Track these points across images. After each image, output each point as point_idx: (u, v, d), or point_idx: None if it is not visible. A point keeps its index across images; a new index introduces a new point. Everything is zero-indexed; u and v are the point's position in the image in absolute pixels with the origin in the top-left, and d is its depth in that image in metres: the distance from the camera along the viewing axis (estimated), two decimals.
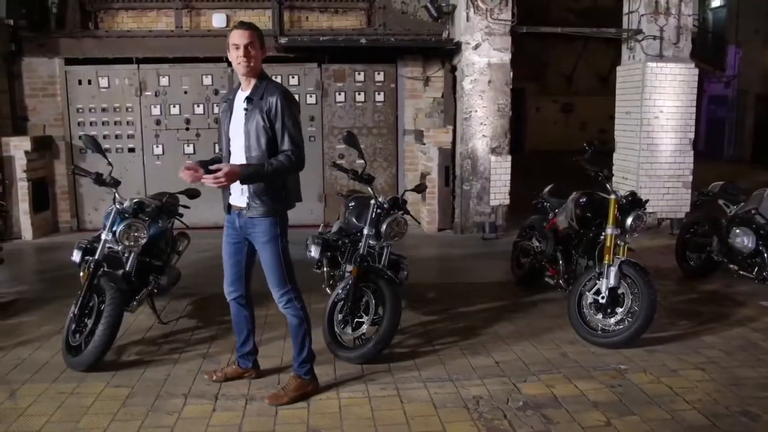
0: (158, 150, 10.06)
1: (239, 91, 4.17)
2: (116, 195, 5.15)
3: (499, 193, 9.49)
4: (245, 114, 4.03)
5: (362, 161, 5.43)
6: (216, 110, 9.80)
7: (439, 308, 6.18)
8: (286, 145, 3.98)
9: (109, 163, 5.21)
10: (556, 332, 5.54)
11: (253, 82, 4.08)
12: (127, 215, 5.14)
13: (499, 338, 5.41)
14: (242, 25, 4.06)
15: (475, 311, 6.13)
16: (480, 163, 9.42)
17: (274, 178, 3.99)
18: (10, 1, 8.74)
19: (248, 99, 4.05)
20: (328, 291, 5.48)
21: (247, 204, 4.06)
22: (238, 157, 4.08)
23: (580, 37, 19.93)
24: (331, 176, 10.15)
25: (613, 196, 5.41)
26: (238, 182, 3.93)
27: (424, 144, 9.69)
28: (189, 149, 10.02)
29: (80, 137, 5.34)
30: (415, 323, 5.71)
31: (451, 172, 9.61)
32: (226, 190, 4.17)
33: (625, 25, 9.85)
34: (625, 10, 9.85)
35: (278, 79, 9.83)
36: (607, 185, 5.54)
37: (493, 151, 9.42)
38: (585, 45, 22.56)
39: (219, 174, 3.81)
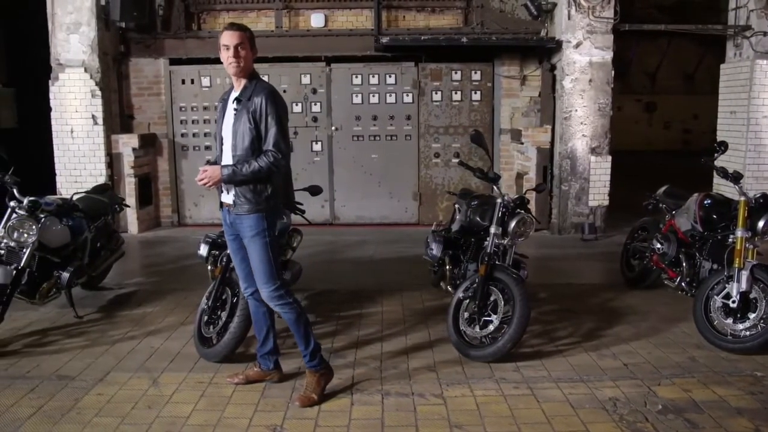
0: None
1: (232, 91, 4.23)
2: None
3: (599, 193, 9.32)
4: (234, 114, 4.10)
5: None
6: (314, 108, 10.00)
7: (554, 308, 6.12)
8: (267, 145, 4.03)
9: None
10: (679, 336, 5.43)
11: (243, 82, 4.12)
12: None
13: (621, 340, 5.33)
14: (232, 26, 4.12)
15: (590, 312, 6.04)
16: (579, 163, 9.29)
17: (255, 179, 4.04)
18: (123, 4, 9.07)
19: (237, 99, 4.12)
20: (450, 289, 5.49)
21: (234, 201, 4.13)
22: (227, 156, 4.15)
23: (665, 34, 19.36)
24: (426, 175, 10.15)
25: (743, 198, 5.23)
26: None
27: (521, 143, 9.59)
28: None
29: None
30: (534, 323, 5.64)
31: (549, 172, 9.50)
32: (219, 188, 4.22)
33: (731, 21, 9.52)
34: (732, 5, 9.52)
35: (375, 79, 9.99)
36: (737, 186, 5.37)
37: (592, 151, 9.26)
38: (669, 42, 21.92)
39: (201, 175, 4.08)
